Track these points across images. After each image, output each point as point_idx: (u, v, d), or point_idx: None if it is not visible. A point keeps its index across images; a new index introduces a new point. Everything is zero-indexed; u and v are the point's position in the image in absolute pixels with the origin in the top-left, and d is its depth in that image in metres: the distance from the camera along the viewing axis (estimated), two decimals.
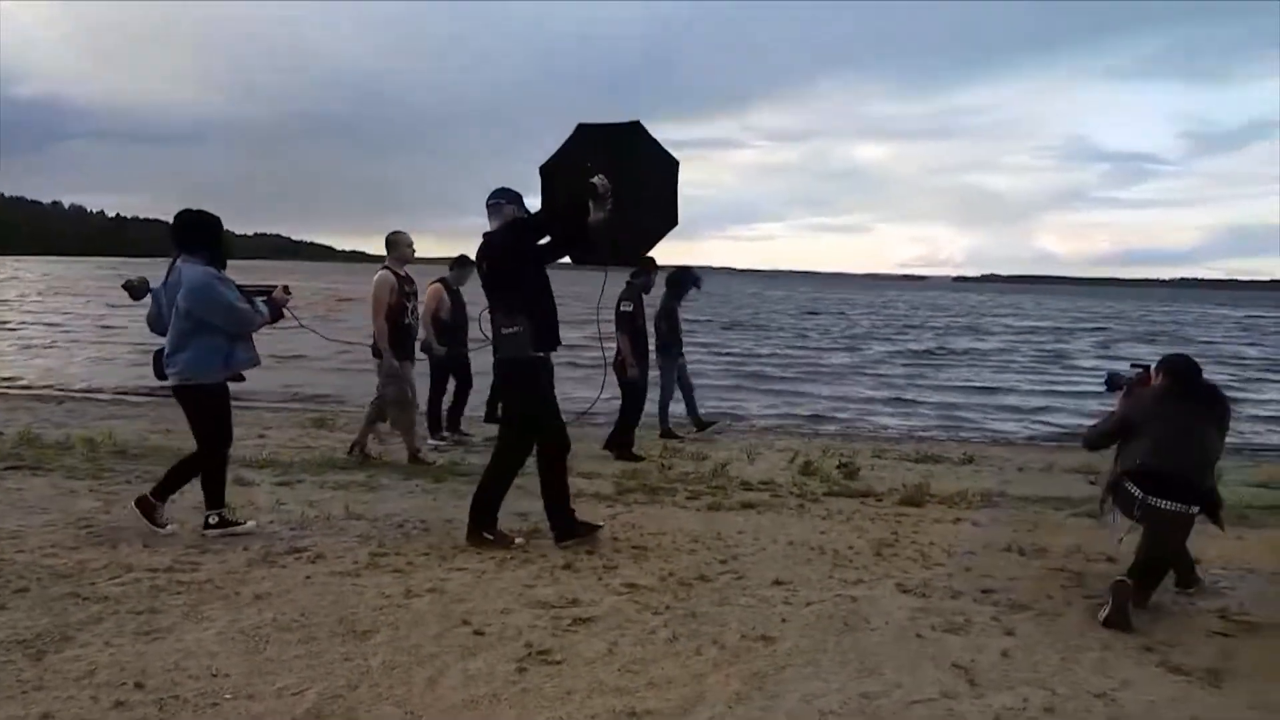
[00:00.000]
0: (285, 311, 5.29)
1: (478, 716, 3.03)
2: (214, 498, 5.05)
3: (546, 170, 5.22)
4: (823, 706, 3.17)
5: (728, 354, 22.80)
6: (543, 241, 4.96)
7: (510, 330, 4.85)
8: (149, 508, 4.99)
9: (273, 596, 4.05)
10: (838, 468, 7.50)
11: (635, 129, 5.18)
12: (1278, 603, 4.44)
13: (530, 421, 5.00)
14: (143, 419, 9.63)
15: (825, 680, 3.38)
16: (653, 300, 8.80)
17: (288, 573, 4.38)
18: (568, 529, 5.00)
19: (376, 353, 7.20)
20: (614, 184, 4.84)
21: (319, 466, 6.93)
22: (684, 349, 9.64)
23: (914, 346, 27.70)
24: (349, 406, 11.34)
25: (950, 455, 9.06)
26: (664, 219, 5.29)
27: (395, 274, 7.22)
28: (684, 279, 9.32)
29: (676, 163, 5.22)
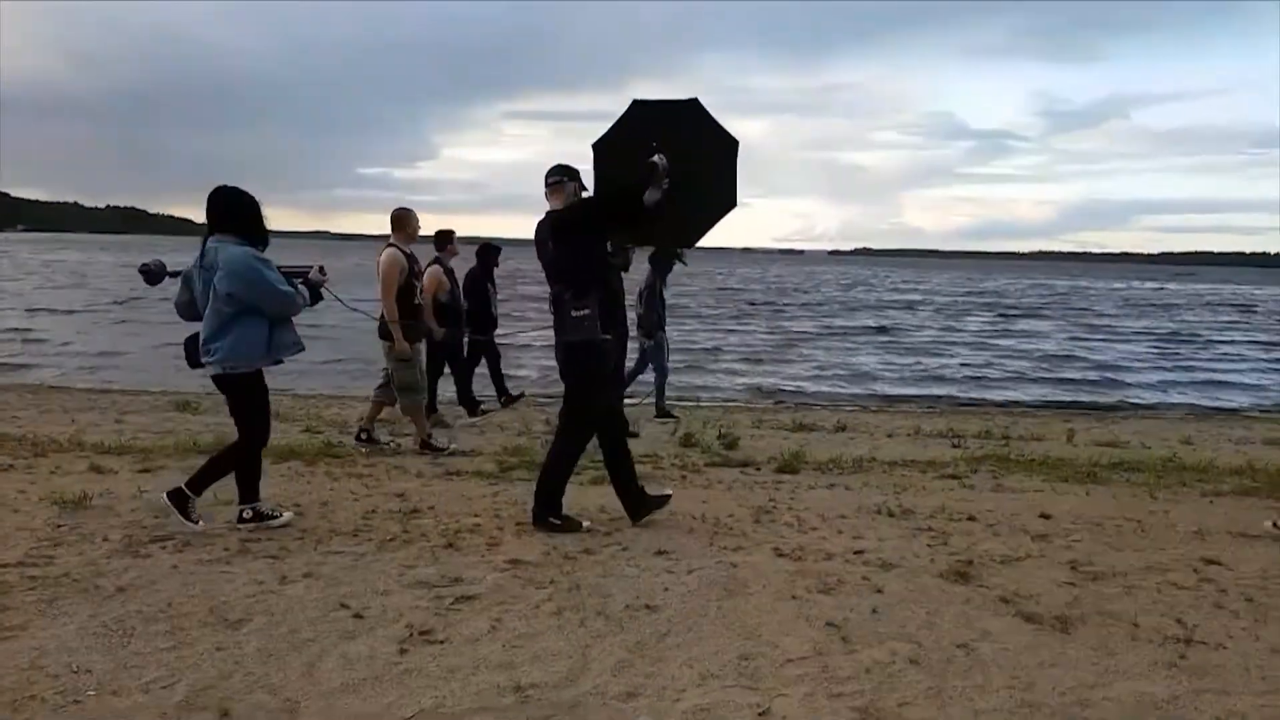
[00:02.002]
0: (323, 292, 5.05)
1: (358, 700, 2.98)
2: (250, 491, 4.82)
3: (600, 147, 5.09)
4: (703, 670, 3.25)
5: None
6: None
7: (580, 313, 4.76)
8: (182, 500, 4.69)
9: (137, 588, 3.86)
10: (718, 439, 7.66)
11: (694, 106, 5.08)
12: (1120, 553, 4.79)
13: (599, 404, 4.95)
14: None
15: (706, 644, 3.47)
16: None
17: (152, 563, 4.18)
18: (641, 505, 5.03)
19: (384, 334, 6.91)
20: (671, 162, 4.77)
21: (183, 451, 6.61)
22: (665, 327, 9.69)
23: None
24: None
25: (825, 424, 9.38)
26: (723, 199, 5.19)
27: (404, 252, 6.89)
28: (668, 257, 9.31)
29: (736, 142, 5.13)
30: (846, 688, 3.15)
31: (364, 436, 7.16)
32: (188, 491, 4.70)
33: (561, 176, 4.92)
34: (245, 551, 4.37)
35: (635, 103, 5.11)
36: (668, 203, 4.79)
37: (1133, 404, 13.62)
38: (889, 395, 13.83)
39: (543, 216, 4.94)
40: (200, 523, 4.71)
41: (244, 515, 4.81)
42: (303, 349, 4.89)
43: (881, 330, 24.77)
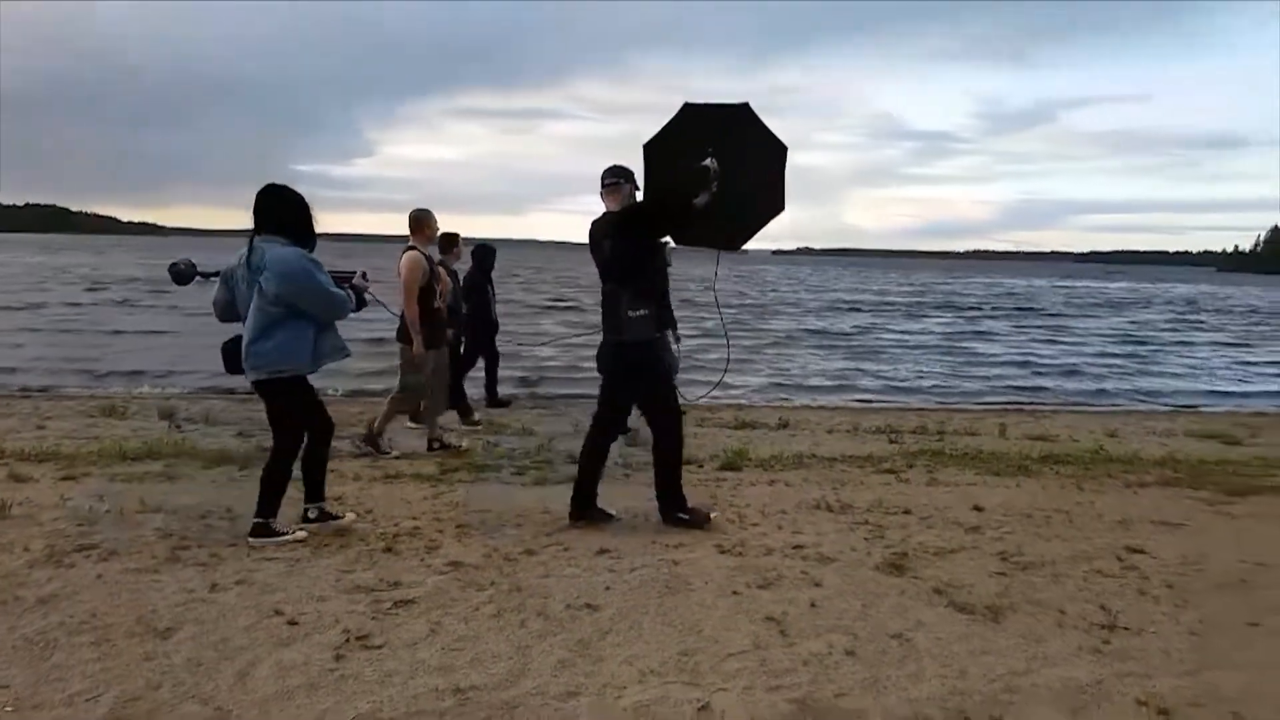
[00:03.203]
0: (367, 297, 4.90)
1: (292, 707, 2.93)
2: (269, 503, 4.60)
3: (650, 148, 5.10)
4: (644, 667, 3.26)
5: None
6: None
7: (638, 313, 4.83)
8: (265, 531, 4.54)
9: (59, 599, 3.73)
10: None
11: (745, 111, 5.11)
12: (1049, 543, 4.92)
13: (659, 401, 5.01)
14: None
15: (647, 642, 3.49)
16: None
17: (76, 573, 4.05)
18: (584, 507, 5.06)
19: (402, 337, 6.79)
20: (720, 166, 4.84)
21: (108, 458, 6.41)
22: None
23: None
24: (151, 391, 10.56)
25: (767, 421, 9.45)
26: (771, 204, 5.20)
27: (424, 255, 6.78)
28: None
29: (785, 148, 5.15)
30: (785, 680, 3.19)
31: (435, 446, 7.02)
32: (262, 519, 4.57)
33: (618, 178, 5.04)
34: (174, 559, 4.25)
35: (686, 105, 5.16)
36: (717, 205, 4.89)
37: (1065, 399, 13.98)
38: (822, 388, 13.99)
39: (598, 217, 5.05)
40: (294, 530, 4.62)
41: (309, 515, 4.72)
42: (348, 354, 4.77)
43: (825, 333, 24.99)
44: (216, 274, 4.73)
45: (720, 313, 6.01)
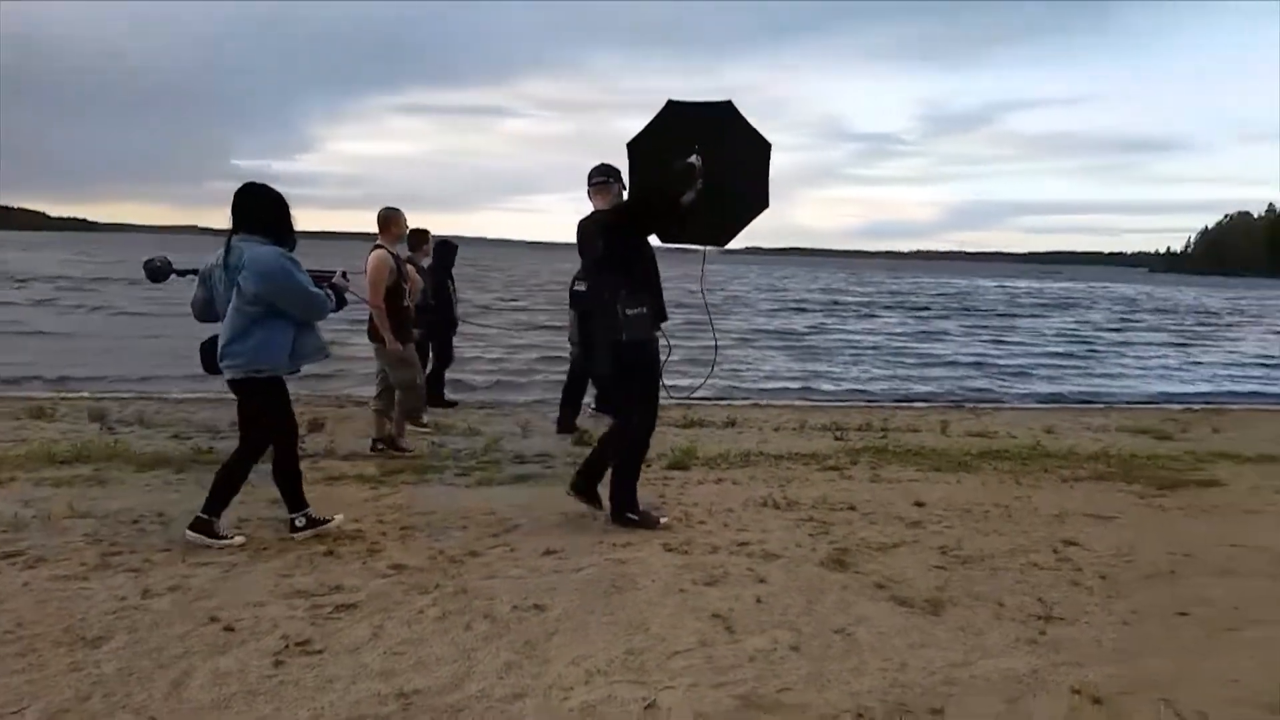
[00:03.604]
0: (348, 297, 4.85)
1: (229, 716, 2.86)
2: (219, 501, 4.55)
3: (634, 146, 5.09)
4: (590, 667, 3.25)
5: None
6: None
7: (636, 311, 4.83)
8: (205, 529, 4.47)
9: None
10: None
11: (728, 109, 5.12)
12: (987, 537, 5.02)
13: (645, 401, 4.99)
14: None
15: (594, 641, 3.48)
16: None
17: (1, 580, 3.91)
18: (589, 495, 5.11)
19: (373, 337, 6.70)
20: (705, 164, 4.84)
21: (36, 461, 6.19)
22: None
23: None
24: (79, 391, 10.23)
25: (715, 419, 9.49)
26: (755, 201, 5.23)
27: (391, 253, 6.69)
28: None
29: (769, 145, 5.17)
30: (730, 676, 3.20)
31: (381, 446, 6.93)
32: (292, 516, 4.65)
33: (607, 177, 5.10)
34: (105, 566, 4.13)
35: (670, 103, 5.17)
36: (702, 203, 4.91)
37: (1005, 396, 14.24)
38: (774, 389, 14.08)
39: (586, 215, 5.08)
40: (234, 536, 4.55)
41: (297, 523, 4.67)
42: (327, 355, 4.74)
43: (778, 333, 25.08)
44: (193, 272, 4.67)
45: (708, 310, 6.07)
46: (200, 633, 3.45)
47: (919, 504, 5.67)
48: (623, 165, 5.15)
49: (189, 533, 4.46)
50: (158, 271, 4.66)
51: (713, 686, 3.13)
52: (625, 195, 5.07)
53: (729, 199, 5.15)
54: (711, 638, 3.53)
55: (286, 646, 3.35)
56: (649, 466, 6.64)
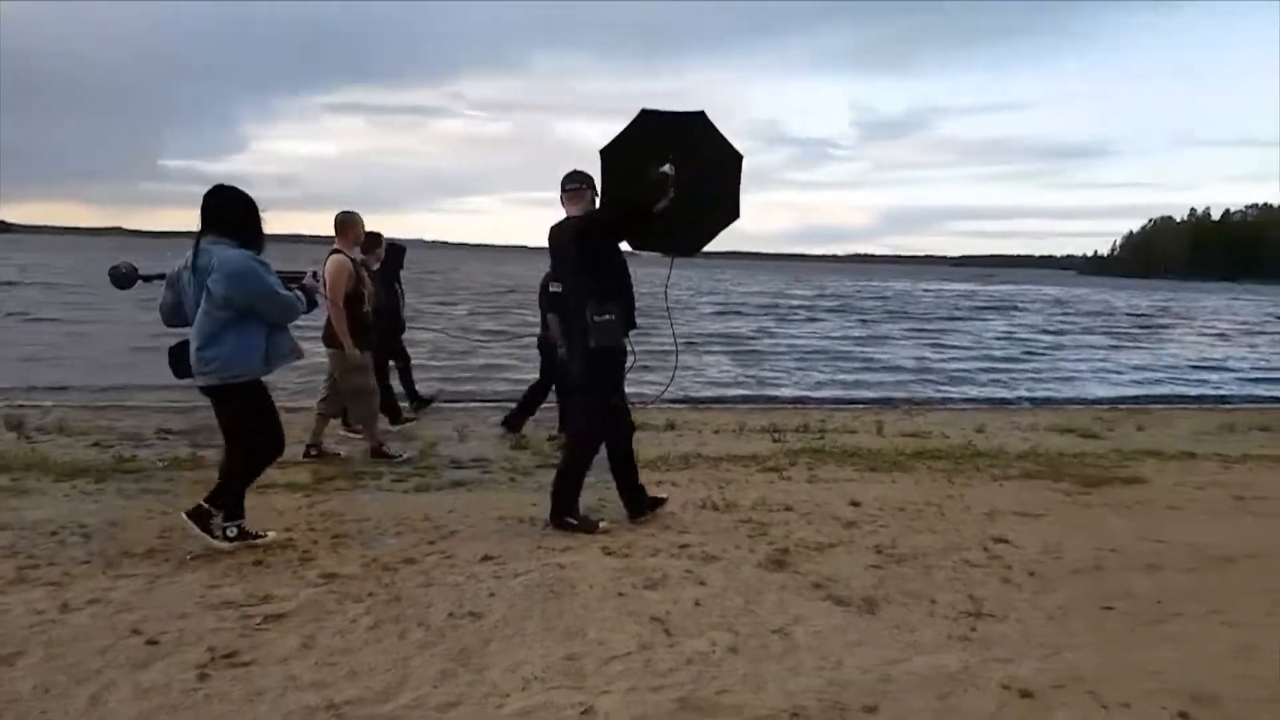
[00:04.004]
0: (319, 298, 4.79)
1: None
2: (235, 506, 4.52)
3: (607, 154, 5.07)
4: (527, 673, 3.23)
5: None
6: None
7: (603, 318, 4.86)
8: (204, 517, 4.44)
9: None
10: (548, 440, 7.63)
11: (700, 119, 5.15)
12: (921, 536, 5.11)
13: (618, 406, 5.05)
14: None
15: (531, 648, 3.45)
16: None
17: None
18: (640, 505, 5.21)
19: (329, 342, 6.55)
20: (678, 173, 4.88)
21: None
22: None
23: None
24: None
25: (655, 422, 9.50)
26: (726, 211, 5.26)
27: (350, 258, 6.55)
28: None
29: (741, 156, 5.21)
30: (668, 680, 3.20)
31: (314, 452, 6.79)
32: (207, 507, 4.46)
33: (580, 184, 5.09)
34: (21, 580, 3.97)
35: (643, 112, 5.18)
36: (674, 212, 4.96)
37: (938, 398, 14.49)
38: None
39: (558, 222, 5.09)
40: (265, 533, 4.59)
41: (228, 534, 4.50)
42: (301, 356, 4.66)
43: (722, 336, 25.11)
44: (159, 276, 4.59)
45: (670, 315, 6.12)
46: (121, 646, 3.34)
47: (855, 504, 5.74)
48: (594, 171, 5.16)
49: (185, 518, 4.45)
50: (123, 278, 4.58)
51: (650, 690, 3.12)
52: (597, 202, 5.08)
53: (700, 208, 5.23)
54: (650, 641, 3.52)
55: (213, 659, 3.26)
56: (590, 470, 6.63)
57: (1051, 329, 32.61)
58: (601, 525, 5.03)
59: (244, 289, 4.29)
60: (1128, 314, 43.57)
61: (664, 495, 5.54)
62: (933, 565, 4.56)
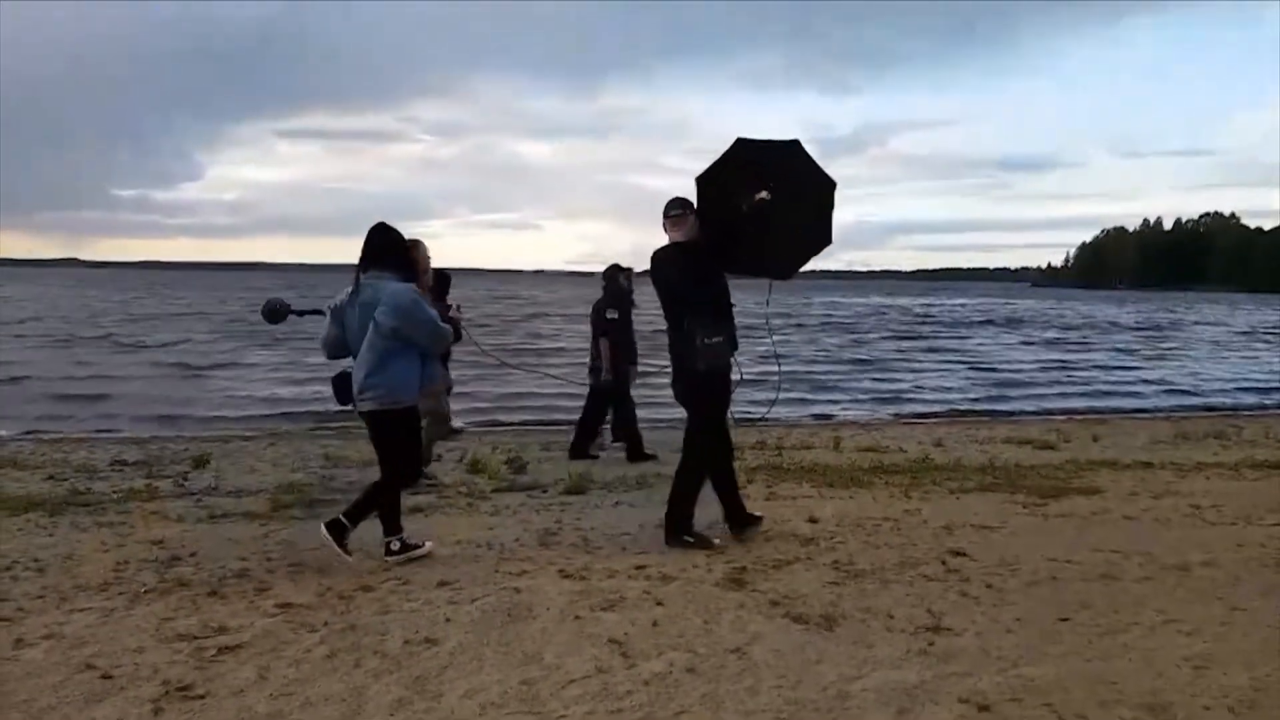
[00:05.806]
0: (462, 331, 5.08)
1: None
2: (394, 523, 4.86)
3: (704, 180, 5.18)
4: (484, 700, 3.21)
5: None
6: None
7: (713, 340, 5.02)
8: (391, 550, 4.77)
9: None
10: (505, 463, 7.61)
11: (795, 147, 5.27)
12: (879, 551, 5.16)
13: (716, 427, 5.20)
14: None
15: (488, 673, 3.42)
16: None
17: None
18: (744, 521, 5.32)
19: None
20: (775, 199, 4.98)
21: None
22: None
23: None
24: None
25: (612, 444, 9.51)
26: (819, 237, 5.37)
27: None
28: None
29: (834, 183, 5.30)
30: (626, 703, 3.20)
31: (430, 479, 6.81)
32: (345, 522, 4.68)
33: (684, 210, 5.18)
34: None
35: (739, 140, 5.29)
36: (771, 238, 5.13)
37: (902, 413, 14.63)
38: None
39: (661, 246, 5.19)
40: (425, 545, 4.87)
41: (392, 547, 4.79)
42: (451, 388, 5.09)
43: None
44: (313, 312, 5.01)
45: (771, 336, 6.20)
46: (75, 681, 3.28)
47: (813, 520, 5.78)
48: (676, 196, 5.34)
49: (389, 557, 4.74)
50: (276, 313, 4.92)
51: (609, 713, 3.12)
52: (698, 227, 5.18)
53: (796, 234, 5.36)
54: (608, 664, 3.51)
55: (167, 692, 3.21)
56: (544, 492, 6.64)
57: (1054, 339, 32.92)
58: (716, 542, 5.16)
59: (411, 320, 4.63)
60: (1116, 326, 44.27)
61: (760, 514, 5.58)
62: (890, 580, 4.60)
